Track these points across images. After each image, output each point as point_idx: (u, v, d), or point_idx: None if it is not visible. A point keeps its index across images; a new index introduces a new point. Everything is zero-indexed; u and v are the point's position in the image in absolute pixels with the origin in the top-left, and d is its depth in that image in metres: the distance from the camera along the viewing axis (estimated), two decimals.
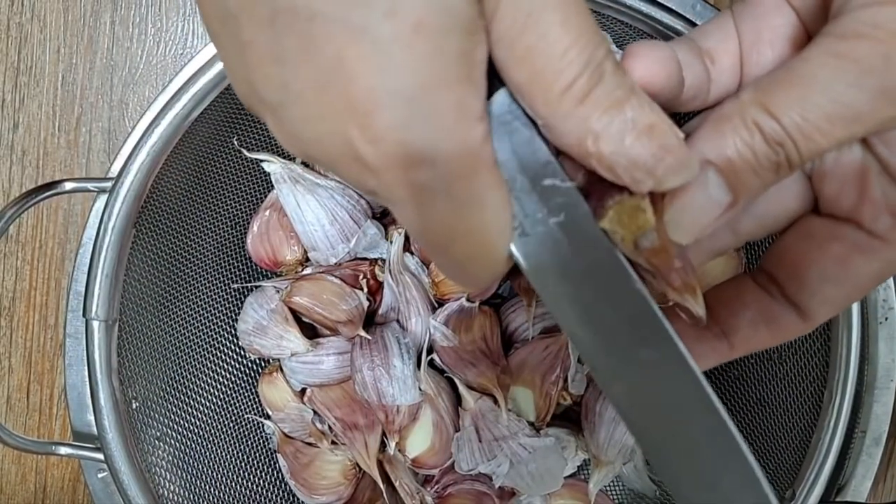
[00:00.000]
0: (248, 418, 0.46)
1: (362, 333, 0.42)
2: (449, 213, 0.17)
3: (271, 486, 0.46)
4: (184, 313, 0.44)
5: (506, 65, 0.17)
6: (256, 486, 0.45)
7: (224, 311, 0.46)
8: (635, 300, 0.19)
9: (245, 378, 0.47)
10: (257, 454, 0.46)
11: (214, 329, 0.46)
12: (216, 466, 0.43)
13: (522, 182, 0.19)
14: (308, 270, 0.45)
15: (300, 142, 0.17)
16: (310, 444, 0.45)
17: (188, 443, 0.42)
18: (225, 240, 0.46)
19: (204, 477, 0.42)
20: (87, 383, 0.38)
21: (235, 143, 0.42)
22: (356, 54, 0.15)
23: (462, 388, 0.43)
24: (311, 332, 0.45)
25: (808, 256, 0.22)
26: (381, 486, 0.43)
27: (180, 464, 0.41)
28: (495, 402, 0.42)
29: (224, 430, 0.45)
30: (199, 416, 0.44)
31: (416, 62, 0.15)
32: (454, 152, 0.17)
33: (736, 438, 0.19)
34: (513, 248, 0.19)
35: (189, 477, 0.41)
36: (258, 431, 0.47)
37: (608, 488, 0.46)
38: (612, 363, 0.20)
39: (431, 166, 0.16)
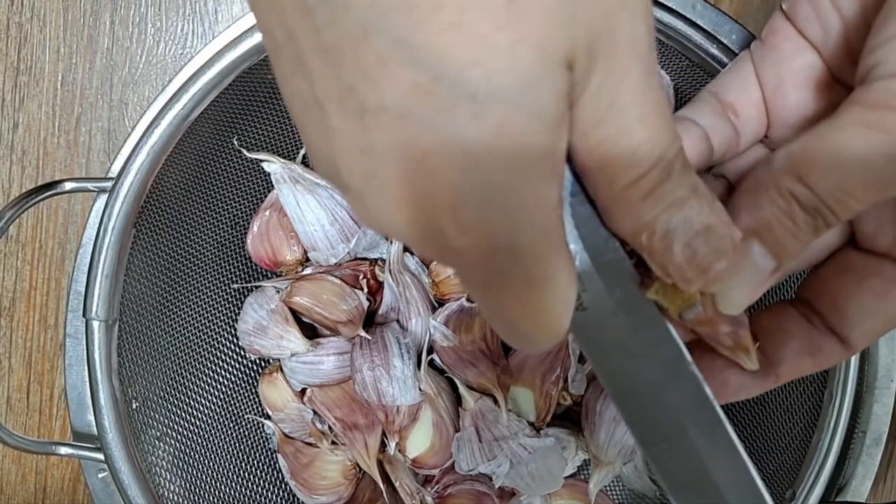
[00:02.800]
0: (248, 418, 0.46)
1: (362, 333, 0.42)
2: (521, 294, 0.18)
3: (271, 486, 0.46)
4: (184, 313, 0.44)
5: (577, 149, 0.18)
6: (256, 486, 0.45)
7: (224, 311, 0.46)
8: (689, 382, 0.20)
9: (245, 378, 0.47)
10: (257, 454, 0.46)
11: (214, 329, 0.46)
12: (216, 466, 0.43)
13: (582, 257, 0.19)
14: (308, 270, 0.45)
15: (381, 224, 0.18)
16: (310, 444, 0.45)
17: (188, 443, 0.42)
18: (225, 240, 0.46)
19: (204, 477, 0.42)
20: (87, 383, 0.38)
21: (235, 143, 0.42)
22: (442, 154, 0.16)
23: (462, 388, 0.43)
24: (311, 332, 0.45)
25: (848, 290, 0.22)
26: (382, 486, 0.43)
27: (180, 464, 0.41)
28: (495, 402, 0.42)
29: (224, 430, 0.45)
30: (199, 416, 0.44)
31: (500, 162, 0.16)
32: (533, 241, 0.17)
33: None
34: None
35: (189, 477, 0.41)
36: (258, 431, 0.47)
37: (608, 488, 0.46)
38: (659, 438, 0.20)
39: (511, 254, 0.17)
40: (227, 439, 0.45)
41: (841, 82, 0.23)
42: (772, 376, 0.23)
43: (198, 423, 0.44)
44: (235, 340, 0.46)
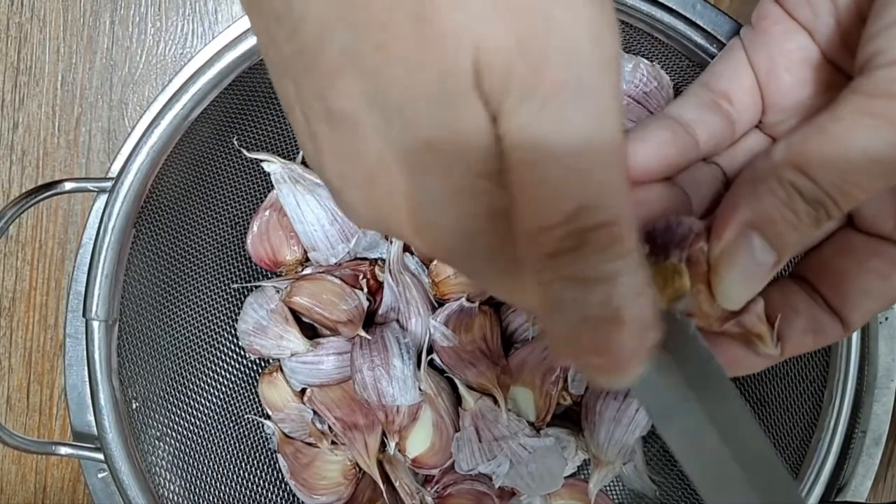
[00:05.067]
0: (248, 418, 0.46)
1: (362, 333, 0.42)
2: (496, 280, 0.18)
3: (271, 486, 0.46)
4: (184, 313, 0.44)
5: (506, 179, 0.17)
6: (256, 486, 0.45)
7: (224, 311, 0.46)
8: (695, 349, 0.19)
9: (245, 378, 0.47)
10: (257, 454, 0.46)
11: (214, 329, 0.46)
12: (216, 466, 0.43)
13: None
14: (308, 270, 0.45)
15: (358, 218, 0.19)
16: (310, 444, 0.45)
17: (188, 443, 0.42)
18: (225, 240, 0.46)
19: (204, 477, 0.42)
20: (87, 383, 0.38)
21: (235, 143, 0.42)
22: (389, 162, 0.17)
23: (462, 388, 0.43)
24: (311, 332, 0.45)
25: (850, 272, 0.22)
26: (381, 486, 0.43)
27: (180, 464, 0.41)
28: (495, 402, 0.42)
29: (224, 430, 0.45)
30: (199, 416, 0.44)
31: (432, 175, 0.17)
32: (481, 246, 0.17)
33: (793, 489, 0.20)
34: None
35: (189, 477, 0.41)
36: (258, 431, 0.47)
37: (608, 488, 0.46)
38: (670, 412, 0.20)
39: (467, 255, 0.18)
40: (227, 439, 0.45)
41: (834, 64, 0.23)
42: (777, 351, 0.23)
43: (198, 423, 0.44)
44: (235, 340, 0.46)
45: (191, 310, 0.44)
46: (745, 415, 0.19)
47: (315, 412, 0.44)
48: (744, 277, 0.20)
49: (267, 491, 0.46)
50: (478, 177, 0.17)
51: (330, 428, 0.44)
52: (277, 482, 0.46)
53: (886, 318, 0.36)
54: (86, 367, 0.38)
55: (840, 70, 0.23)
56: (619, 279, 0.16)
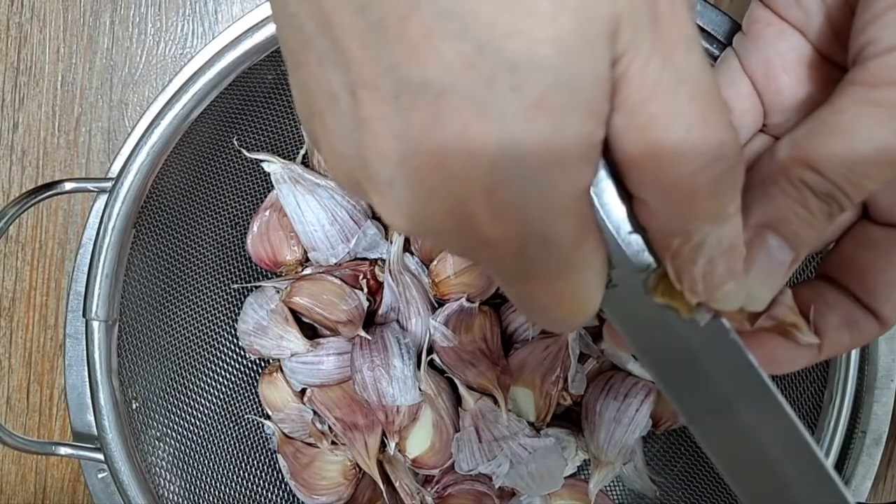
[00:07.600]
0: (248, 418, 0.46)
1: (362, 333, 0.42)
2: (554, 282, 0.17)
3: (271, 486, 0.46)
4: (184, 313, 0.44)
5: (623, 133, 0.16)
6: (256, 486, 0.45)
7: (224, 311, 0.46)
8: (730, 351, 0.19)
9: (245, 378, 0.47)
10: (257, 454, 0.46)
11: (214, 329, 0.46)
12: (216, 466, 0.43)
13: (608, 234, 0.18)
14: (308, 270, 0.45)
15: (409, 218, 0.17)
16: (310, 444, 0.45)
17: (188, 443, 0.42)
18: (225, 240, 0.46)
19: (204, 477, 0.42)
20: (87, 383, 0.38)
21: (235, 143, 0.42)
22: (481, 130, 0.15)
23: (462, 389, 0.43)
24: (311, 332, 0.45)
25: (875, 265, 0.22)
26: (381, 486, 0.43)
27: (180, 464, 0.41)
28: (495, 402, 0.42)
29: (224, 430, 0.45)
30: (199, 416, 0.44)
31: (536, 139, 0.15)
32: (567, 228, 0.16)
33: (839, 487, 0.19)
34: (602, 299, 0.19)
35: (189, 477, 0.41)
36: (258, 431, 0.47)
37: (608, 488, 0.46)
38: (705, 413, 0.20)
39: (544, 243, 0.16)
40: (227, 439, 0.45)
41: (830, 61, 0.23)
42: (814, 349, 0.22)
43: (198, 423, 0.44)
44: (235, 340, 0.46)
45: (191, 310, 0.44)
46: (790, 417, 0.19)
47: (315, 412, 0.44)
48: (763, 277, 0.19)
49: (267, 491, 0.46)
50: (582, 142, 0.15)
51: (330, 428, 0.44)
52: (277, 482, 0.46)
53: None
54: (86, 367, 0.38)
55: (836, 65, 0.23)
56: (739, 200, 0.18)
